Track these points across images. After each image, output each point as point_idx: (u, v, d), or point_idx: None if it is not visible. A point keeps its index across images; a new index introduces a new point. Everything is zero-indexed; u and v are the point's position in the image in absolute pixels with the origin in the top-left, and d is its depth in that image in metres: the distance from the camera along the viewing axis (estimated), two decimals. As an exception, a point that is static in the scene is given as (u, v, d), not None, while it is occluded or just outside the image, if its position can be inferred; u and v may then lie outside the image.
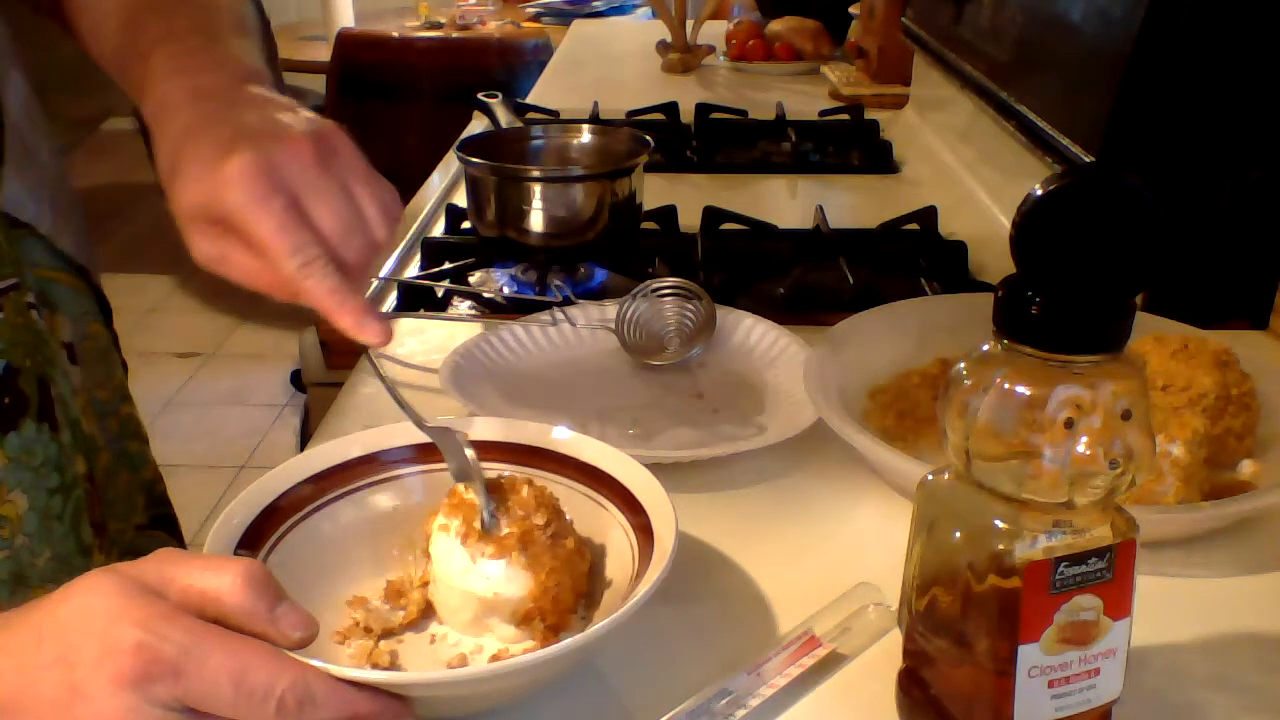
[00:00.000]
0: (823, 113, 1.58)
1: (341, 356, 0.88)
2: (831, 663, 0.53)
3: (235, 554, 0.53)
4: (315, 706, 0.43)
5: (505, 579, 0.53)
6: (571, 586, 0.55)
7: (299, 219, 0.54)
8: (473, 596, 0.54)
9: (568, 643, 0.47)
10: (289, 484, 0.58)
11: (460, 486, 0.56)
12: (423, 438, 0.61)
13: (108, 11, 0.69)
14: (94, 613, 0.42)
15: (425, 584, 0.57)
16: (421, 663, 0.55)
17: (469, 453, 0.56)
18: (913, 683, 0.50)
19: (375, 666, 0.53)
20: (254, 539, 0.55)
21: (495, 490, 0.56)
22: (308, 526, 0.58)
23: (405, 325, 0.91)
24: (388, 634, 0.56)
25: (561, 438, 0.61)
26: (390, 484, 0.61)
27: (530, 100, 1.67)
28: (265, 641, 0.44)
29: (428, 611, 0.57)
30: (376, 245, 0.57)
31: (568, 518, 0.57)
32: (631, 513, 0.57)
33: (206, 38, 0.64)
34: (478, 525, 0.54)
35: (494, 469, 0.60)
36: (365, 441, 0.61)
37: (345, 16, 3.54)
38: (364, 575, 0.59)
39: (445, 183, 1.31)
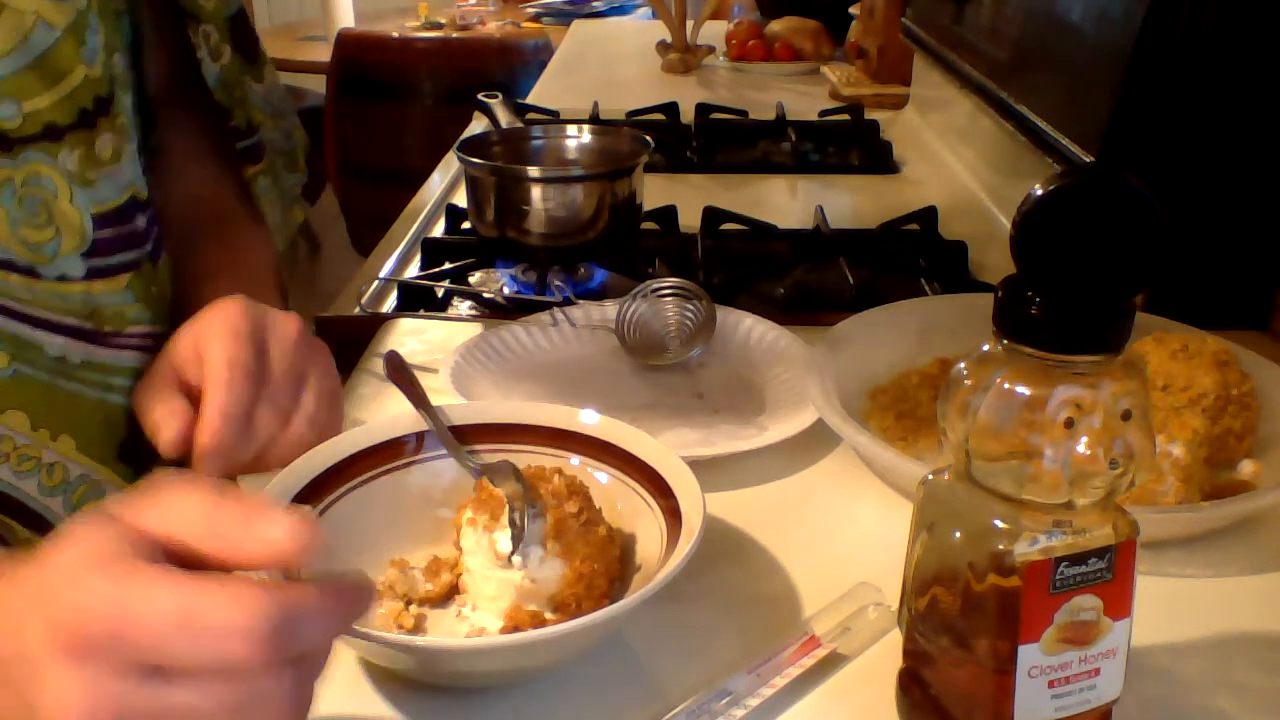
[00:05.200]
0: (823, 113, 1.58)
1: (341, 357, 0.88)
2: (831, 663, 0.53)
3: (290, 504, 0.55)
4: (298, 628, 0.38)
5: (540, 567, 0.54)
6: (604, 572, 0.55)
7: (255, 349, 0.59)
8: (509, 584, 0.54)
9: (587, 618, 0.48)
10: (347, 452, 0.60)
11: (486, 479, 0.57)
12: (499, 418, 0.64)
13: (171, 193, 0.74)
14: (59, 565, 0.38)
15: (458, 571, 0.58)
16: (446, 633, 0.56)
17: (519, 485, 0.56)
18: (913, 683, 0.50)
19: (401, 628, 0.55)
20: (314, 492, 0.57)
21: (525, 479, 0.56)
22: (373, 487, 0.60)
23: (405, 325, 0.91)
24: (411, 601, 0.57)
25: (589, 421, 0.62)
26: (449, 459, 0.62)
27: (530, 100, 1.67)
28: (250, 565, 0.39)
29: (454, 592, 0.58)
30: (311, 428, 0.61)
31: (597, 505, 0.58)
32: (660, 495, 0.58)
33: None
34: (505, 522, 0.55)
35: (523, 454, 0.61)
36: (447, 414, 0.63)
37: (345, 16, 3.54)
38: (418, 542, 0.60)
39: (445, 183, 1.31)
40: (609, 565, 0.56)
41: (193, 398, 0.59)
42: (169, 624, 0.36)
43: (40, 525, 0.61)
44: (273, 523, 0.39)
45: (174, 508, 0.40)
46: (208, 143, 0.81)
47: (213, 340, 0.58)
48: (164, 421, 0.58)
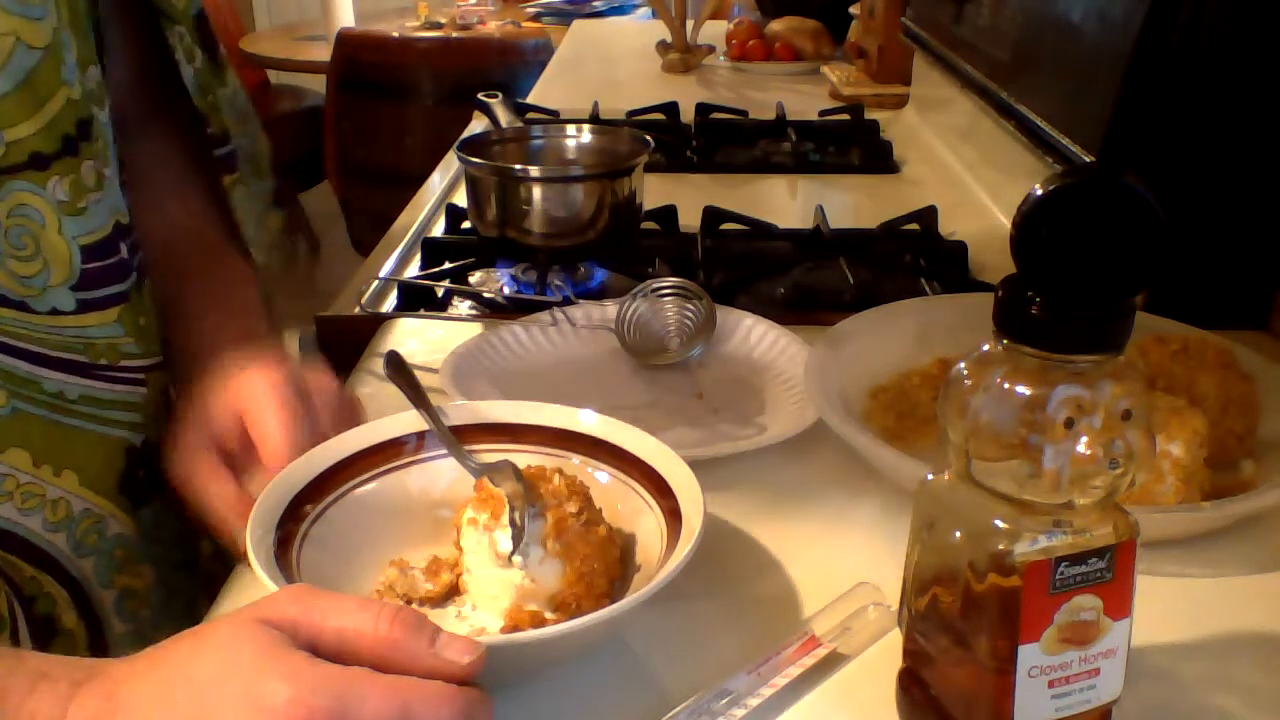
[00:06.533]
0: (823, 113, 1.58)
1: (341, 357, 0.88)
2: (831, 663, 0.53)
3: (290, 504, 0.55)
4: None
5: (540, 567, 0.54)
6: (604, 572, 0.55)
7: (303, 412, 0.60)
8: (509, 584, 0.54)
9: (588, 618, 0.48)
10: (348, 452, 0.60)
11: (486, 479, 0.57)
12: (499, 418, 0.64)
13: (154, 222, 0.73)
14: (233, 668, 0.40)
15: (458, 571, 0.58)
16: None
17: (519, 485, 0.56)
18: (913, 683, 0.50)
19: None
20: (315, 492, 0.58)
21: (526, 479, 0.56)
22: (373, 487, 0.60)
23: (405, 325, 0.91)
24: (411, 601, 0.57)
25: (589, 421, 0.63)
26: (449, 459, 0.62)
27: (530, 100, 1.67)
28: (425, 676, 0.42)
29: (454, 592, 0.58)
30: None
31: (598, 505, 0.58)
32: (660, 495, 0.58)
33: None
34: (506, 521, 0.55)
35: (517, 453, 0.61)
36: (447, 414, 0.63)
37: (345, 16, 3.54)
38: (418, 542, 0.60)
39: (445, 183, 1.31)
40: (609, 565, 0.56)
41: (232, 466, 0.60)
42: (384, 717, 0.39)
43: (46, 562, 0.61)
44: (452, 643, 0.43)
45: (343, 610, 0.43)
46: (187, 160, 0.79)
47: (265, 414, 0.58)
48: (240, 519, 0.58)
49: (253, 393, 0.60)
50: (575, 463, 0.62)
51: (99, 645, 0.64)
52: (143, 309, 0.67)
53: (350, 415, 0.64)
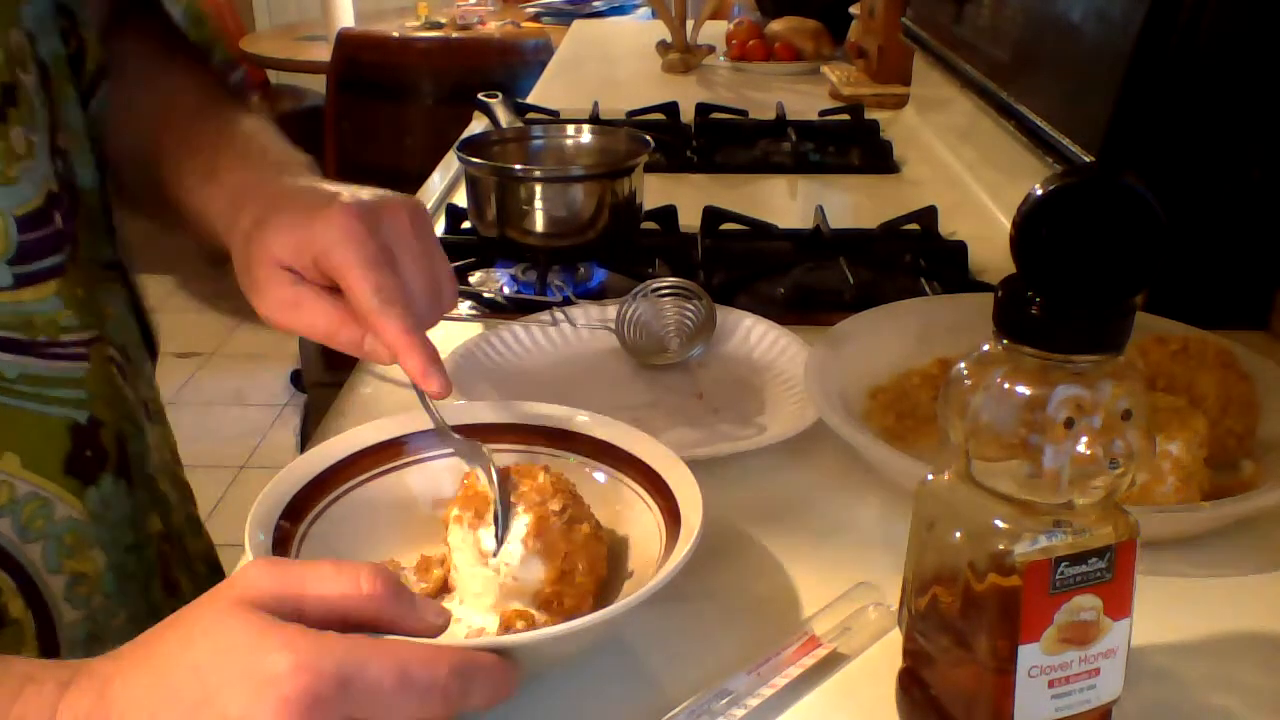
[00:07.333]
0: (823, 113, 1.58)
1: (342, 357, 0.88)
2: (831, 663, 0.54)
3: (290, 503, 0.56)
4: (473, 684, 0.43)
5: (521, 565, 0.54)
6: (589, 570, 0.55)
7: (388, 264, 0.58)
8: (493, 582, 0.54)
9: (587, 618, 0.48)
10: (348, 451, 0.61)
11: (474, 476, 0.57)
12: (499, 418, 0.64)
13: (141, 106, 0.73)
14: (230, 646, 0.40)
15: (447, 568, 0.58)
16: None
17: (492, 471, 0.56)
18: (913, 683, 0.50)
19: None
20: (315, 492, 0.58)
21: (510, 477, 0.56)
22: (373, 487, 0.61)
23: (405, 325, 0.91)
24: None
25: (588, 421, 0.63)
26: (449, 459, 0.62)
27: (530, 100, 1.67)
28: (409, 633, 0.44)
29: (445, 589, 0.58)
30: (442, 313, 0.64)
31: (586, 503, 0.58)
32: (659, 495, 0.58)
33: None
34: (490, 519, 0.55)
35: (514, 453, 0.62)
36: (447, 415, 0.63)
37: (345, 16, 3.54)
38: (417, 542, 0.60)
39: (445, 183, 1.31)
40: (594, 563, 0.55)
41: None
42: (385, 678, 0.40)
43: None
44: (426, 604, 0.46)
45: (320, 576, 0.44)
46: (170, 49, 0.78)
47: (350, 271, 0.58)
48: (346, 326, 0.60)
49: (331, 241, 0.58)
50: (573, 463, 0.62)
51: (48, 634, 0.62)
52: (80, 280, 0.65)
53: (427, 240, 0.62)
